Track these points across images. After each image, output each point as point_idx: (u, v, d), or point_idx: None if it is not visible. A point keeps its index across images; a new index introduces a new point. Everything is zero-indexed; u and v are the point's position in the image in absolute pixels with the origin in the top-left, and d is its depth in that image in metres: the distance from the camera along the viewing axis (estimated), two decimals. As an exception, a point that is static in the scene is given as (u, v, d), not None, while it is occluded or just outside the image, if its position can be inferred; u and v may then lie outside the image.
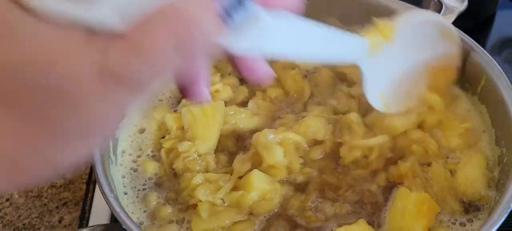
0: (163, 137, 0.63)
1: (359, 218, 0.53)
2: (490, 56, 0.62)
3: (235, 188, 0.55)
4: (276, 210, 0.56)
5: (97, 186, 0.69)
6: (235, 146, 0.62)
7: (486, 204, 0.55)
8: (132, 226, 0.49)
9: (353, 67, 0.67)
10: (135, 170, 0.60)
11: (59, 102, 0.24)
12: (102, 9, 0.24)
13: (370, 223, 0.53)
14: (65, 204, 0.71)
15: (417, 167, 0.57)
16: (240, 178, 0.56)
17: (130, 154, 0.62)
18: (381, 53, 0.54)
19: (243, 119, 0.63)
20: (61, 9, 0.23)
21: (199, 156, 0.59)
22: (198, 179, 0.55)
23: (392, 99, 0.59)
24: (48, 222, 0.69)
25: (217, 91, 0.65)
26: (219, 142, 0.61)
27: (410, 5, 0.69)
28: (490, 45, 0.92)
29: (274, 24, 0.30)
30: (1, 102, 0.24)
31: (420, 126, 0.61)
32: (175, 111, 0.65)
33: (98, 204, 0.70)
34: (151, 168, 0.60)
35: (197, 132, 0.60)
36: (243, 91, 0.67)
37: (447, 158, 0.59)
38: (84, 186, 0.73)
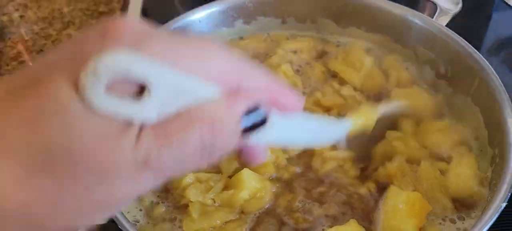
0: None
1: (351, 218, 0.53)
2: (483, 57, 0.62)
3: (225, 188, 0.56)
4: (266, 206, 0.56)
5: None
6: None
7: (478, 202, 0.56)
8: (127, 226, 0.50)
9: (346, 66, 0.68)
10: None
11: (93, 178, 0.27)
12: (146, 107, 0.27)
13: (360, 223, 0.53)
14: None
15: (405, 166, 0.57)
16: (230, 177, 0.57)
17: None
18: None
19: None
20: (112, 104, 0.26)
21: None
22: (189, 178, 0.56)
23: None
24: (46, 223, 0.70)
25: None
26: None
27: (404, 7, 0.70)
28: (487, 46, 0.92)
29: (280, 122, 0.33)
30: (41, 169, 0.26)
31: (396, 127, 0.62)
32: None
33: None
34: None
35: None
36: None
37: (436, 156, 0.60)
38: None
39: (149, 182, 0.29)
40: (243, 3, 0.74)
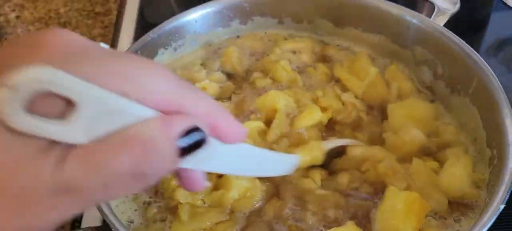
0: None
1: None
2: (481, 58, 0.62)
3: (215, 188, 0.55)
4: (257, 205, 0.55)
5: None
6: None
7: (475, 203, 0.55)
8: (120, 228, 0.49)
9: (350, 75, 0.67)
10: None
11: (10, 206, 0.25)
12: (72, 127, 0.25)
13: (358, 225, 0.53)
14: (57, 206, 0.71)
15: (395, 164, 0.57)
16: (220, 177, 0.56)
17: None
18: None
19: None
20: (33, 123, 0.24)
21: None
22: None
23: None
24: (40, 224, 0.69)
25: (204, 88, 0.65)
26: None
27: (402, 7, 0.69)
28: (486, 47, 0.92)
29: (222, 150, 0.32)
30: None
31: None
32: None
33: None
34: None
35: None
36: (230, 87, 0.68)
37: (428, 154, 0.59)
38: (76, 189, 0.72)
39: (72, 209, 0.27)
40: (239, 3, 0.73)
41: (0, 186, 0.24)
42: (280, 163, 0.50)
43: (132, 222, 0.56)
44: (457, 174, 0.56)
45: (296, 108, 0.63)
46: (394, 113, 0.63)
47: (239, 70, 0.70)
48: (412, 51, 0.69)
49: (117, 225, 0.49)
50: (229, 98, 0.66)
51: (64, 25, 0.99)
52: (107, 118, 0.26)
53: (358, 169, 0.58)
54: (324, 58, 0.72)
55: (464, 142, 0.61)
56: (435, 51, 0.66)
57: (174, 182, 0.55)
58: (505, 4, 0.93)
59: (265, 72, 0.68)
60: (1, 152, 0.24)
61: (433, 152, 0.60)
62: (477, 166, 0.58)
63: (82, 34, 0.34)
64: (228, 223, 0.54)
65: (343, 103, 0.64)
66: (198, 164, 0.31)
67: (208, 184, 0.35)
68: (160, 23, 0.69)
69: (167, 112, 0.28)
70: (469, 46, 0.63)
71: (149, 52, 0.68)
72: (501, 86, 0.59)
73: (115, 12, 1.00)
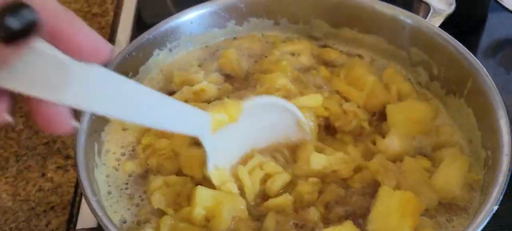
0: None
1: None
2: (476, 59, 0.62)
3: (188, 199, 0.54)
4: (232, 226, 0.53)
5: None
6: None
7: (469, 205, 0.55)
8: (113, 230, 0.49)
9: (348, 86, 0.66)
10: (117, 169, 0.60)
11: None
12: None
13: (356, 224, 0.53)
14: (52, 208, 0.71)
15: (386, 162, 0.57)
16: (199, 184, 0.54)
17: (114, 153, 0.62)
18: (225, 131, 0.53)
19: None
20: None
21: (175, 154, 0.59)
22: (157, 182, 0.55)
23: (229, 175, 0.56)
24: (35, 226, 0.69)
25: (202, 90, 0.65)
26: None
27: (398, 8, 0.69)
28: (483, 47, 0.92)
29: (82, 73, 0.26)
30: None
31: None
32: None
33: (86, 207, 0.69)
34: (132, 166, 0.60)
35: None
36: (228, 88, 0.67)
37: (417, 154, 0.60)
38: (72, 190, 0.72)
39: None
40: (235, 4, 0.73)
41: None
42: (185, 116, 0.44)
43: (125, 222, 0.56)
44: (451, 175, 0.56)
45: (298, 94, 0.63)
46: (392, 115, 0.63)
47: (239, 72, 0.70)
48: (408, 52, 0.69)
49: (109, 226, 0.49)
50: None
51: (61, 26, 0.99)
52: None
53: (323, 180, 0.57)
54: (324, 62, 0.71)
55: (460, 143, 0.61)
56: (430, 52, 0.66)
57: (154, 183, 0.55)
58: (501, 5, 0.93)
59: (265, 74, 0.68)
60: None
61: (428, 152, 0.60)
62: (472, 167, 0.58)
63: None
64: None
65: (345, 112, 0.63)
66: (48, 91, 0.25)
67: (75, 125, 0.31)
68: (156, 22, 0.69)
69: None
70: (464, 47, 0.63)
71: (144, 53, 0.68)
72: (496, 87, 0.59)
73: (112, 13, 1.00)
